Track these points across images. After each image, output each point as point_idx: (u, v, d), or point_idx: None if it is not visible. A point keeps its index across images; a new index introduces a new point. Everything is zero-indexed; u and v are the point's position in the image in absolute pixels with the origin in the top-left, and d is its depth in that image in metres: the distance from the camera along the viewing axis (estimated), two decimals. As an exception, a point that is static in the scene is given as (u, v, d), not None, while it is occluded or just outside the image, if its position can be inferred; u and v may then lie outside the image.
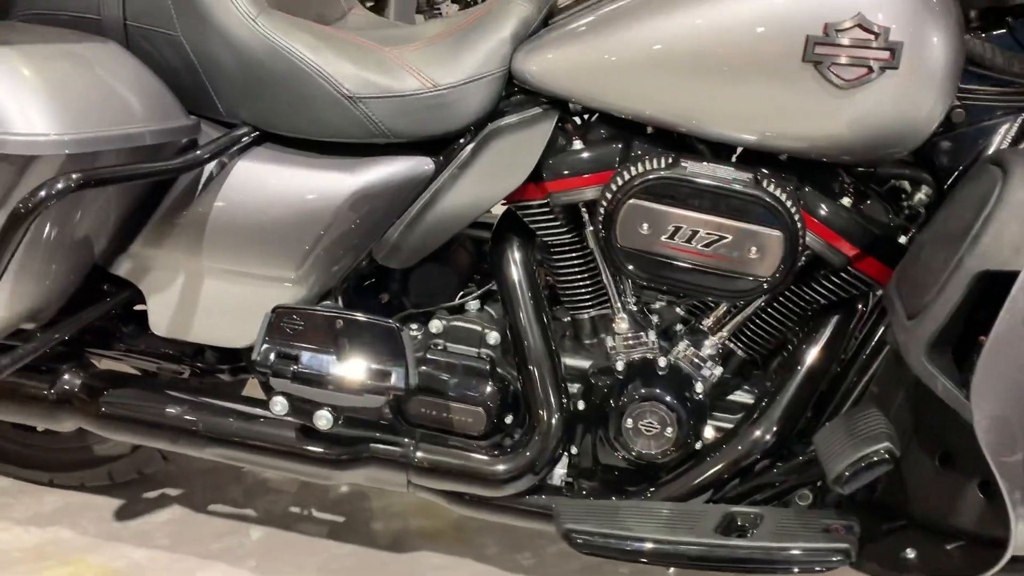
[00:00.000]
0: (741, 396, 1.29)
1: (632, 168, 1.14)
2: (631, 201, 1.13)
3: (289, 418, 1.21)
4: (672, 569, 1.33)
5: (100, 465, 1.57)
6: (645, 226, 1.13)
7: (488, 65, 1.20)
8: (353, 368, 1.17)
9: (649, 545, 1.12)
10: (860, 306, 1.24)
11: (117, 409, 1.29)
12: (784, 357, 1.27)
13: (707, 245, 1.12)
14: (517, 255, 1.27)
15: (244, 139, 1.20)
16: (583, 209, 1.24)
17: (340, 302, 1.31)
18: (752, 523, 1.13)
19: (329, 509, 1.66)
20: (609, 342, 1.27)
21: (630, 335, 1.26)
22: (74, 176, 1.03)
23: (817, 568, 1.09)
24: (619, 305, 1.26)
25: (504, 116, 1.23)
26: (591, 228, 1.24)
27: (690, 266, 1.13)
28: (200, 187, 1.20)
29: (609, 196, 1.15)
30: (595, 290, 1.29)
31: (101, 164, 1.08)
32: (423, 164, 1.23)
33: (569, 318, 1.31)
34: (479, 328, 1.31)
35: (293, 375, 1.17)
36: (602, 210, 1.16)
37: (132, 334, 1.36)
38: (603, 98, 1.17)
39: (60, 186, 1.02)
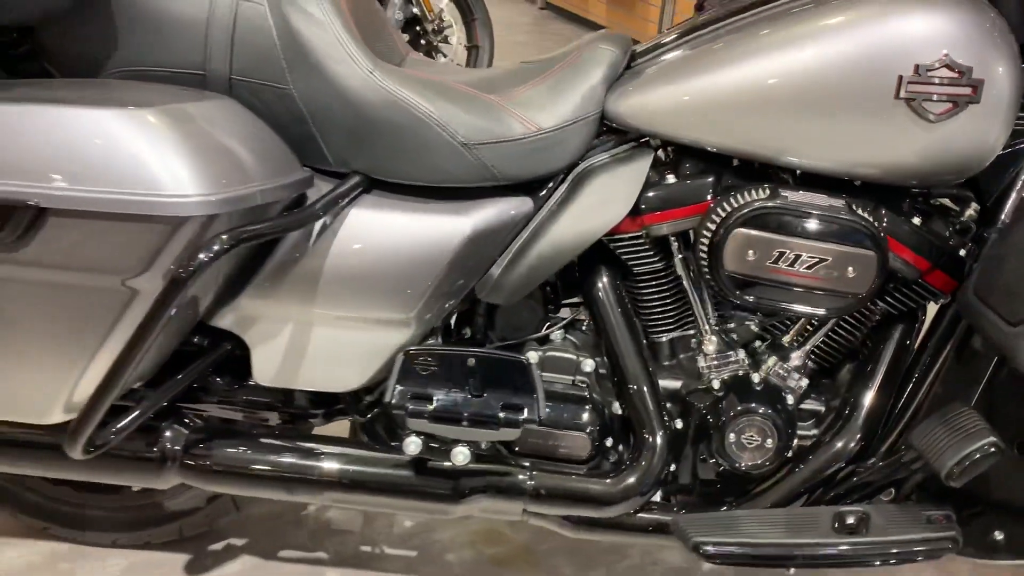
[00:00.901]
0: (811, 404, 1.40)
1: (733, 199, 1.23)
2: (737, 230, 1.21)
3: (423, 457, 1.23)
4: (792, 570, 1.42)
5: (172, 521, 1.53)
6: (751, 253, 1.22)
7: (585, 108, 1.26)
8: (488, 403, 1.20)
9: (776, 549, 1.20)
10: (920, 315, 1.37)
11: (227, 463, 1.28)
12: (857, 365, 1.38)
13: (809, 267, 1.21)
14: (608, 284, 1.34)
15: (357, 188, 1.22)
16: (673, 239, 1.32)
17: (439, 339, 1.35)
18: (862, 520, 1.23)
19: (398, 545, 1.67)
20: (700, 362, 1.34)
21: (720, 355, 1.34)
22: (225, 237, 1.04)
23: (929, 557, 1.20)
24: (706, 327, 1.34)
25: (594, 154, 1.30)
26: (680, 256, 1.32)
27: (793, 287, 1.22)
28: (313, 237, 1.21)
29: (713, 226, 1.23)
30: (678, 314, 1.37)
31: (236, 222, 1.09)
32: (523, 204, 1.28)
33: (645, 340, 1.39)
34: (573, 356, 1.36)
35: (430, 415, 1.19)
36: (705, 239, 1.24)
37: (227, 385, 1.35)
38: (696, 135, 1.25)
39: (216, 248, 1.02)
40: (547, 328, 1.39)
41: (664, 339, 1.38)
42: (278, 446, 1.30)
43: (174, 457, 1.28)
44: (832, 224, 1.20)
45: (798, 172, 1.26)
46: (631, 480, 1.30)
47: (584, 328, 1.41)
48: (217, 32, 1.16)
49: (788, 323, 1.36)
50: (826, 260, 1.21)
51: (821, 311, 1.25)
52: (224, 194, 1.04)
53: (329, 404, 1.39)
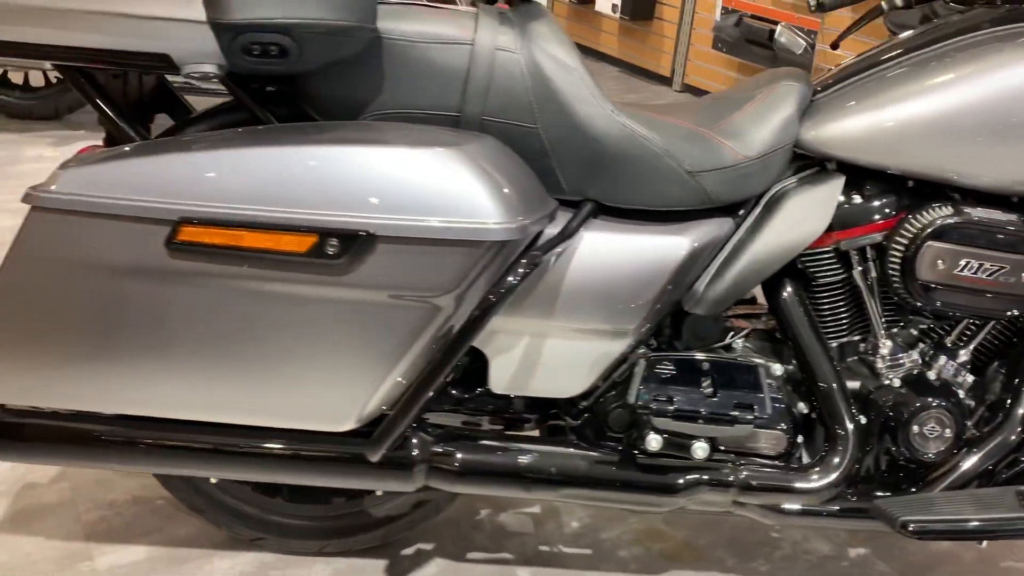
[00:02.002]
0: (973, 397, 1.55)
1: (922, 216, 1.39)
2: (929, 243, 1.38)
3: (664, 452, 1.37)
4: (984, 543, 1.57)
5: (378, 528, 1.64)
6: (940, 263, 1.38)
7: (782, 138, 1.42)
8: (723, 403, 1.35)
9: (976, 524, 1.35)
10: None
11: (470, 465, 1.40)
12: (1009, 360, 1.54)
13: (991, 274, 1.38)
14: (793, 294, 1.49)
15: (591, 214, 1.36)
16: (853, 252, 1.48)
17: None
18: (1042, 497, 1.39)
19: (572, 544, 1.79)
20: (878, 363, 1.50)
21: (895, 355, 1.50)
22: (524, 262, 1.22)
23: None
24: (881, 331, 1.50)
25: (784, 178, 1.46)
26: (859, 268, 1.48)
27: (976, 292, 1.39)
28: (553, 258, 1.35)
29: (905, 240, 1.39)
30: (850, 320, 1.53)
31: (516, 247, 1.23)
32: (724, 223, 1.43)
33: None
34: (762, 362, 1.51)
35: (673, 413, 1.33)
36: (898, 252, 1.40)
37: (459, 393, 1.47)
38: (882, 159, 1.41)
39: (522, 271, 1.19)
40: (730, 337, 1.55)
41: (835, 344, 1.54)
42: (514, 448, 1.43)
43: (422, 461, 1.40)
44: (1009, 235, 1.37)
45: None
46: (829, 471, 1.45)
47: (762, 336, 1.57)
48: (476, 78, 1.30)
49: (951, 325, 1.52)
50: (1005, 267, 1.38)
51: (1000, 311, 1.41)
52: (526, 221, 1.18)
53: (543, 409, 1.52)
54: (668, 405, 1.35)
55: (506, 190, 1.18)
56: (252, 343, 1.21)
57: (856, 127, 1.41)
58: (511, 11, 1.37)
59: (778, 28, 4.45)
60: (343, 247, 1.14)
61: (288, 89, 1.36)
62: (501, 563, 1.72)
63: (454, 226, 1.14)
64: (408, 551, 1.74)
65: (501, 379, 1.42)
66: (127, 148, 1.20)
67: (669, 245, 1.38)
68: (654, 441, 1.36)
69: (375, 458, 1.28)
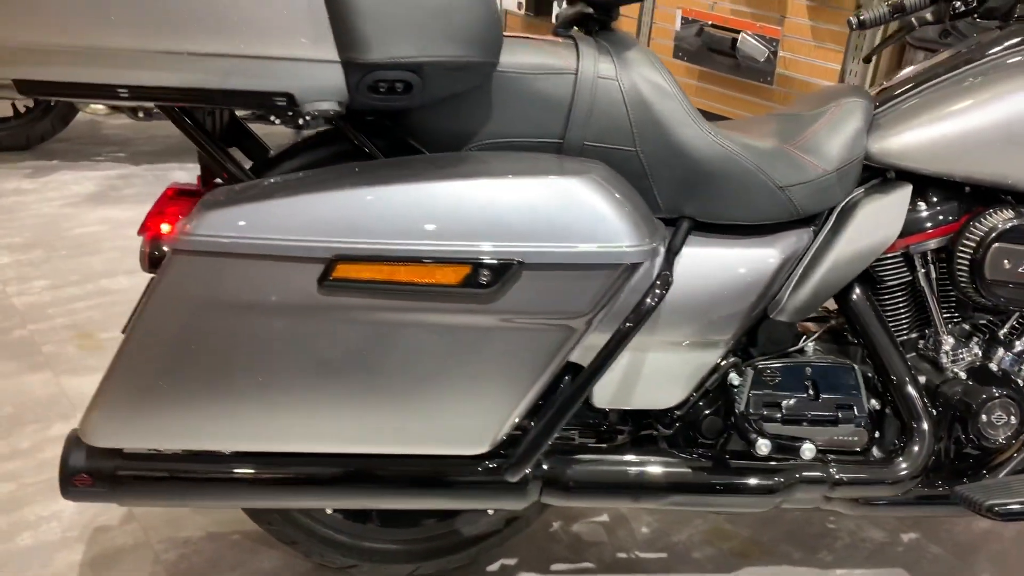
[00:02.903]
0: None
1: (985, 220, 1.50)
2: (995, 244, 1.48)
3: (773, 455, 1.43)
4: None
5: (471, 547, 1.67)
6: (1006, 262, 1.49)
7: (854, 151, 1.51)
8: (827, 404, 1.42)
9: (1052, 503, 1.46)
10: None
11: (581, 478, 1.44)
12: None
13: (1051, 272, 1.49)
14: (862, 296, 1.58)
15: (690, 231, 1.42)
16: (917, 256, 1.57)
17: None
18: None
19: (647, 549, 1.85)
20: (943, 358, 1.60)
21: (958, 350, 1.60)
22: (659, 283, 1.24)
23: None
24: (943, 328, 1.60)
25: (855, 189, 1.55)
26: (922, 270, 1.58)
27: (1040, 288, 1.50)
28: (653, 273, 1.40)
29: (972, 243, 1.49)
30: (913, 318, 1.63)
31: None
32: (804, 234, 1.51)
33: None
34: (851, 363, 1.59)
35: (782, 418, 1.40)
36: (966, 254, 1.50)
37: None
38: (946, 168, 1.51)
39: (659, 292, 1.23)
40: (803, 341, 1.63)
41: (900, 340, 1.63)
42: (621, 460, 1.48)
43: (536, 477, 1.44)
44: (1068, 235, 1.49)
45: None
46: (911, 462, 1.54)
47: (832, 338, 1.65)
48: (579, 106, 1.35)
49: (1004, 319, 1.63)
50: (1063, 265, 1.49)
51: (1058, 306, 1.53)
52: (655, 242, 1.23)
53: (637, 421, 1.57)
54: (778, 411, 1.42)
55: (634, 214, 1.23)
56: (397, 373, 1.23)
57: (919, 139, 1.51)
58: (605, 40, 1.42)
59: (740, 37, 4.61)
60: (494, 276, 1.17)
61: (390, 121, 1.38)
62: (584, 572, 1.77)
63: (594, 250, 1.18)
64: (493, 567, 1.77)
65: (603, 394, 1.46)
66: (266, 186, 1.21)
67: (760, 257, 1.45)
68: (764, 446, 1.43)
69: (514, 478, 1.31)
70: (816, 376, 1.47)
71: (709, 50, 4.83)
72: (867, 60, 1.97)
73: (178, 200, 1.49)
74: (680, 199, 1.42)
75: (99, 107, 3.68)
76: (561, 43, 1.40)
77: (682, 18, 5.07)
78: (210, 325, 1.19)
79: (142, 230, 1.52)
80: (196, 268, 1.17)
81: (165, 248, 1.20)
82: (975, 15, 1.73)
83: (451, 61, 1.20)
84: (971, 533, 1.96)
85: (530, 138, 1.37)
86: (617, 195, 1.22)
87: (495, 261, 1.16)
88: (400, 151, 1.39)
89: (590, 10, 1.48)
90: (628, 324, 1.26)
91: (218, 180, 1.51)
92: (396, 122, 1.38)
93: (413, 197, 1.16)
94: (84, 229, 3.15)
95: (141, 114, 3.67)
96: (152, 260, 1.35)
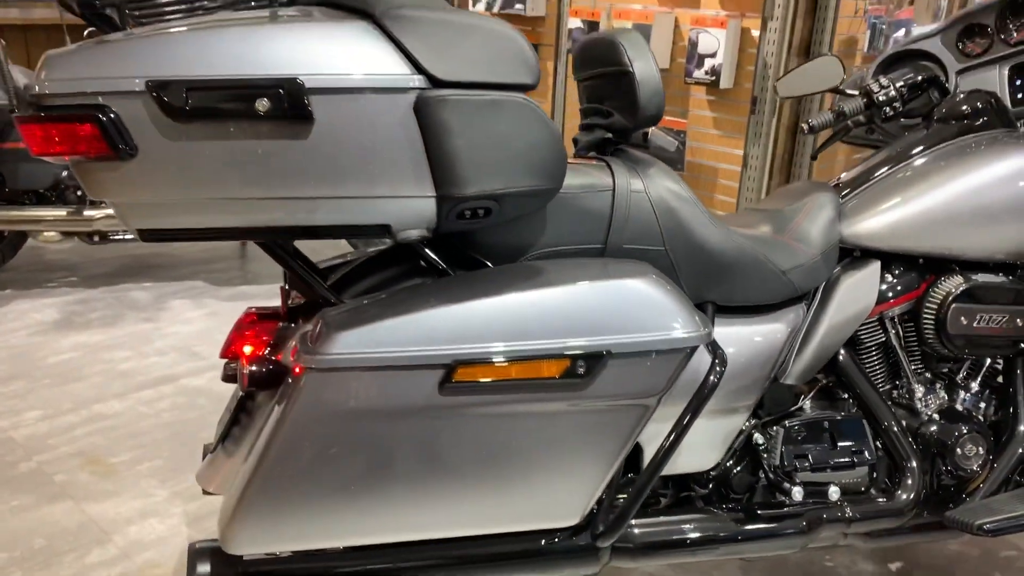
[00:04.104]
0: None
1: (942, 286, 1.81)
2: (954, 305, 1.79)
3: (806, 501, 1.66)
4: None
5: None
6: (963, 319, 1.80)
7: (833, 236, 1.81)
8: (845, 451, 1.67)
9: (1029, 516, 1.75)
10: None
11: (647, 540, 1.63)
12: (1004, 386, 1.98)
13: (999, 324, 1.81)
14: (848, 356, 1.85)
15: (714, 314, 1.67)
16: (887, 320, 1.87)
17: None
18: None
19: None
20: (917, 404, 1.89)
21: (929, 395, 1.89)
22: (717, 361, 1.48)
23: None
24: (914, 377, 1.90)
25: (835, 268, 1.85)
26: (893, 331, 1.88)
27: (990, 338, 1.81)
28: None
29: (934, 305, 1.80)
30: (888, 371, 1.92)
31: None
32: (800, 310, 1.79)
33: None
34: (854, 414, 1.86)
35: (811, 467, 1.64)
36: (931, 314, 1.80)
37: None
38: (907, 244, 1.82)
39: (719, 370, 1.46)
40: (801, 399, 1.89)
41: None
42: (670, 521, 1.68)
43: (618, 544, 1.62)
44: (1011, 293, 1.81)
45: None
46: (908, 496, 1.80)
47: (823, 395, 1.92)
48: (618, 216, 1.59)
49: (959, 365, 1.94)
50: (1006, 316, 1.81)
51: (1007, 349, 1.84)
52: (708, 328, 1.46)
53: (676, 484, 1.78)
54: (807, 461, 1.67)
55: (689, 304, 1.47)
56: (504, 458, 1.40)
57: (880, 223, 1.82)
58: (625, 159, 1.68)
59: (651, 131, 5.04)
60: (588, 367, 1.38)
61: (454, 238, 1.58)
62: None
63: (665, 338, 1.41)
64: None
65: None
66: (379, 305, 1.38)
67: (772, 331, 1.71)
68: (798, 492, 1.67)
69: (605, 544, 1.49)
70: (833, 429, 1.73)
71: (622, 143, 5.23)
72: (813, 158, 2.30)
73: (261, 324, 1.64)
74: (703, 287, 1.67)
75: (52, 234, 3.71)
76: (595, 164, 1.65)
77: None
78: (342, 433, 1.34)
79: (226, 353, 1.66)
80: (330, 384, 1.32)
81: (297, 368, 1.34)
82: (900, 117, 2.10)
83: (529, 190, 1.42)
84: (945, 556, 2.24)
85: (577, 245, 1.60)
86: (674, 289, 1.46)
87: (589, 353, 1.37)
88: (462, 264, 1.59)
89: (609, 135, 1.75)
90: (698, 398, 1.49)
91: (293, 302, 1.68)
92: (458, 239, 1.58)
93: (516, 305, 1.37)
94: (60, 357, 3.16)
95: (96, 238, 3.74)
96: (253, 379, 1.50)
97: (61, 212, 3.60)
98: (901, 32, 5.18)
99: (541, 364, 1.36)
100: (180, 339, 3.32)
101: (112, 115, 1.24)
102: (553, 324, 1.37)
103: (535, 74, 1.39)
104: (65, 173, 3.67)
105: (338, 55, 1.29)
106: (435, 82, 1.32)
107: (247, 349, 1.61)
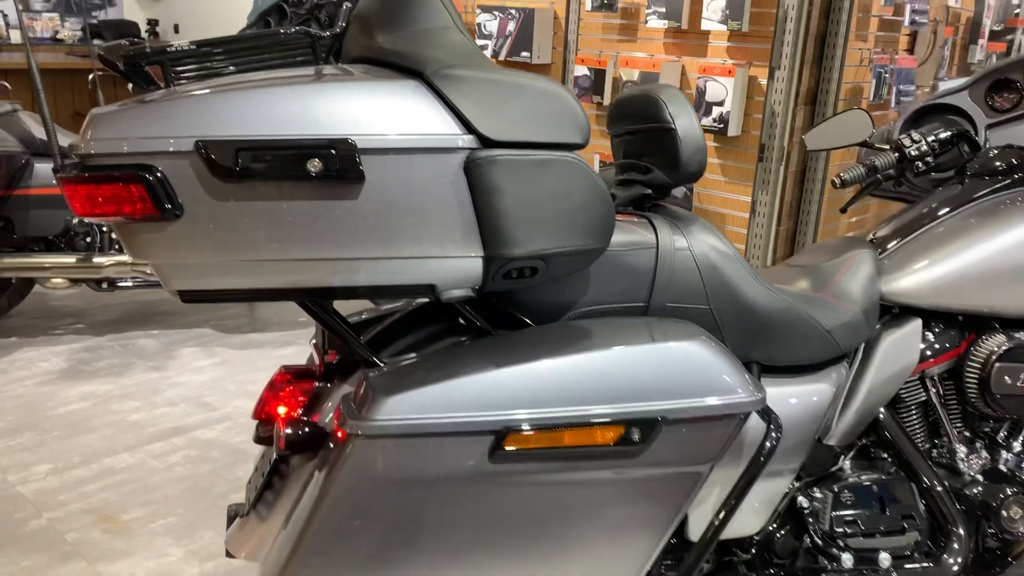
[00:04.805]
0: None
1: (984, 345, 1.78)
2: (997, 365, 1.76)
3: (854, 567, 1.61)
4: None
5: None
6: (1007, 378, 1.77)
7: (873, 294, 1.78)
8: (894, 515, 1.63)
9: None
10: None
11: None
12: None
13: (1042, 381, 1.78)
14: (890, 416, 1.82)
15: (760, 375, 1.64)
16: (928, 379, 1.84)
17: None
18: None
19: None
20: (960, 464, 1.85)
21: (971, 455, 1.86)
22: (774, 427, 1.44)
23: None
24: (956, 436, 1.86)
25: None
26: (934, 390, 1.84)
27: (1033, 396, 1.79)
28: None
29: (979, 366, 1.77)
30: (928, 431, 1.88)
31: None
32: (842, 368, 1.76)
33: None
34: (877, 476, 1.82)
35: (861, 532, 1.59)
36: (974, 373, 1.77)
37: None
38: (946, 302, 1.80)
39: (775, 436, 1.41)
40: (841, 460, 1.85)
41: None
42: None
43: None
44: (1050, 350, 1.79)
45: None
46: (955, 559, 1.75)
47: (863, 454, 1.88)
48: (662, 274, 1.56)
49: (1000, 426, 1.91)
50: (1050, 374, 1.79)
51: (1049, 410, 1.82)
52: (761, 392, 1.43)
53: (719, 550, 1.73)
54: (857, 526, 1.62)
55: (741, 367, 1.44)
56: (552, 528, 1.36)
57: (921, 279, 1.80)
58: (665, 215, 1.66)
59: (658, 176, 5.05)
60: (643, 434, 1.34)
61: (494, 297, 1.55)
62: None
63: (721, 403, 1.37)
64: None
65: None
66: (424, 367, 1.34)
67: (816, 391, 1.68)
68: (848, 560, 1.62)
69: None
70: (882, 492, 1.69)
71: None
72: (843, 211, 2.29)
73: (296, 384, 1.60)
74: (748, 347, 1.64)
75: (60, 281, 3.67)
76: (636, 221, 1.63)
77: (600, 162, 5.51)
78: (388, 501, 1.30)
79: (259, 413, 1.61)
80: (376, 451, 1.28)
81: (341, 433, 1.30)
82: (931, 171, 2.09)
83: (578, 249, 1.39)
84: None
85: (620, 303, 1.57)
86: (727, 352, 1.43)
87: (644, 420, 1.34)
88: (501, 322, 1.56)
89: (648, 191, 1.73)
90: (754, 465, 1.45)
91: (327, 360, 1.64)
92: (499, 296, 1.55)
93: (567, 369, 1.33)
94: (68, 408, 3.10)
95: (104, 285, 3.70)
96: (290, 442, 1.45)
97: (70, 259, 3.56)
98: (912, 86, 5.24)
99: (595, 431, 1.32)
100: (190, 389, 3.26)
101: (159, 175, 1.21)
102: (606, 389, 1.34)
103: (585, 133, 1.37)
104: (75, 220, 3.64)
105: (390, 115, 1.27)
106: (485, 142, 1.30)
107: (282, 410, 1.57)
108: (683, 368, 1.38)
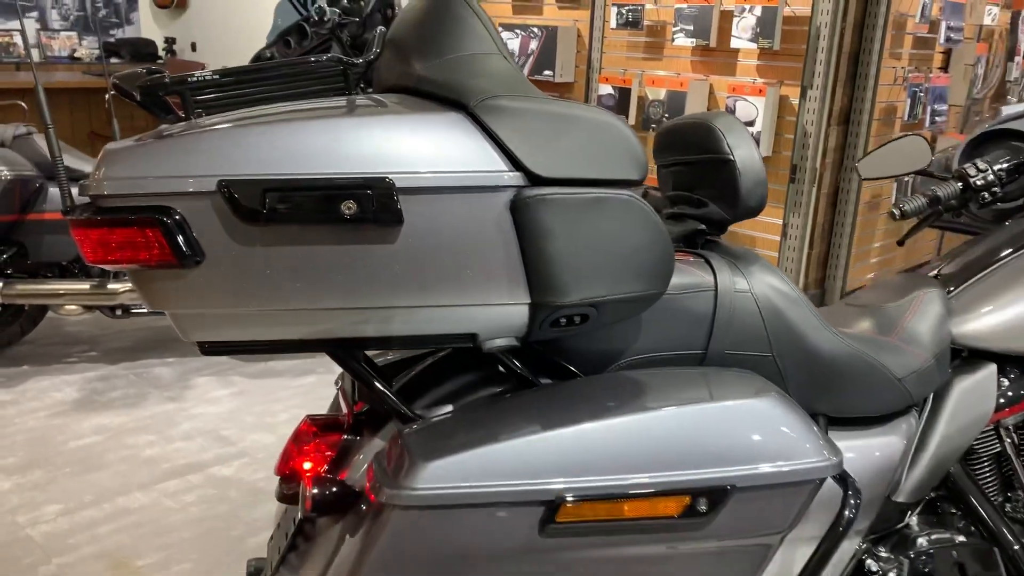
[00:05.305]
0: None
1: (1066, 393, 1.64)
2: (1080, 413, 1.62)
3: None
4: None
5: None
6: (1088, 429, 1.63)
7: (944, 337, 1.65)
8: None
9: None
10: None
11: None
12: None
13: None
14: (960, 469, 1.68)
15: (826, 428, 1.50)
16: (1003, 429, 1.70)
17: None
18: None
19: None
20: (1036, 517, 1.71)
21: (1050, 508, 1.72)
22: (851, 493, 1.31)
23: None
24: (1032, 489, 1.72)
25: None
26: (1008, 440, 1.70)
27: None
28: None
29: (1060, 413, 1.63)
30: (1000, 484, 1.74)
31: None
32: (912, 419, 1.62)
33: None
34: (948, 534, 1.68)
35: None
36: (1054, 423, 1.64)
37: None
38: (1020, 345, 1.67)
39: (853, 503, 1.28)
40: (908, 516, 1.71)
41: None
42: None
43: None
44: None
45: None
46: (1037, 616, 1.61)
47: (931, 510, 1.74)
48: (721, 319, 1.43)
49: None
50: None
51: None
52: (838, 456, 1.29)
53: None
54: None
55: (814, 427, 1.30)
56: (612, 607, 1.23)
57: (995, 322, 1.67)
58: (720, 252, 1.53)
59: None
60: (711, 504, 1.21)
61: (538, 344, 1.43)
62: None
63: (795, 468, 1.24)
64: None
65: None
66: (465, 426, 1.22)
67: (887, 444, 1.54)
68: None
69: None
70: (957, 552, 1.54)
71: (657, 212, 5.12)
72: (900, 243, 2.16)
73: (322, 437, 1.48)
74: (814, 398, 1.51)
75: (73, 307, 3.58)
76: (692, 260, 1.50)
77: (645, 188, 5.39)
78: (428, 575, 1.17)
79: (283, 469, 1.49)
80: (415, 522, 1.15)
81: (376, 499, 1.18)
82: (997, 202, 1.95)
83: (634, 296, 1.27)
84: None
85: (675, 351, 1.44)
86: (801, 411, 1.29)
87: (713, 488, 1.20)
88: (544, 370, 1.43)
89: (702, 226, 1.60)
90: (832, 536, 1.31)
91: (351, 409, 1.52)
92: (544, 344, 1.43)
93: (625, 430, 1.20)
94: (80, 442, 2.99)
95: (119, 311, 3.60)
96: (318, 504, 1.33)
97: (85, 285, 3.46)
98: (944, 105, 5.09)
99: (658, 501, 1.19)
100: (207, 421, 3.15)
101: (178, 218, 1.10)
102: (670, 453, 1.20)
103: (643, 168, 1.25)
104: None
105: (430, 151, 1.15)
106: (534, 179, 1.18)
107: (307, 465, 1.44)
108: (754, 429, 1.25)
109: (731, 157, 1.50)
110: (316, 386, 3.42)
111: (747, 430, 1.24)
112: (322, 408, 3.26)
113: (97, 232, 1.11)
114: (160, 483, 2.72)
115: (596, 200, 1.21)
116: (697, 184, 1.60)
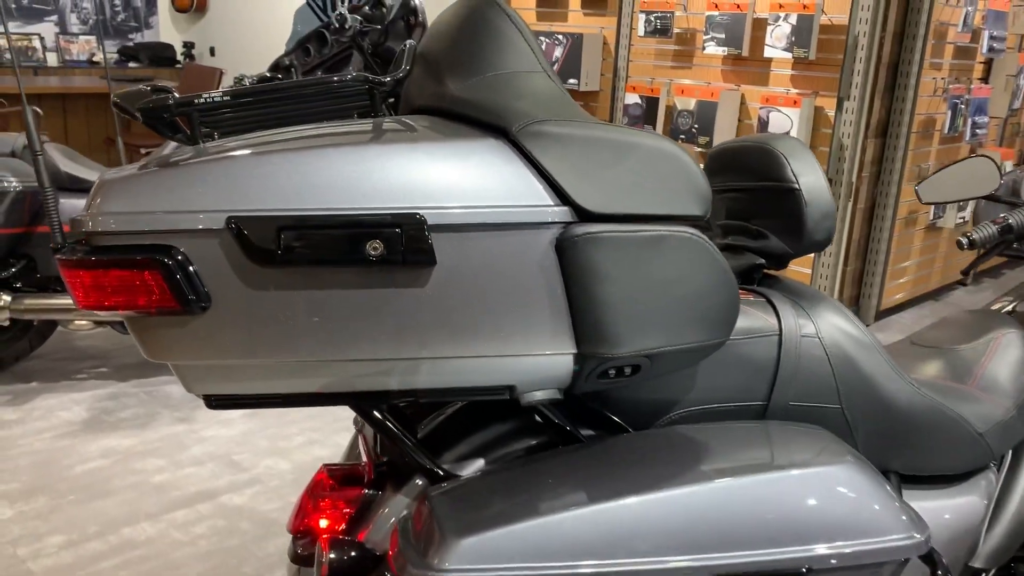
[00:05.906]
0: None
1: None
2: None
3: None
4: None
5: None
6: None
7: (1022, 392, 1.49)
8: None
9: None
10: None
11: None
12: None
13: None
14: None
15: (900, 488, 1.35)
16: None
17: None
18: None
19: None
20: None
21: None
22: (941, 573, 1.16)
23: None
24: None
25: (1017, 426, 1.53)
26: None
27: None
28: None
29: None
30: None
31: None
32: (991, 475, 1.46)
33: None
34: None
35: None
36: None
37: None
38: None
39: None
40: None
41: None
42: None
43: None
44: None
45: None
46: None
47: (1008, 571, 1.58)
48: (785, 367, 1.28)
49: None
50: None
51: None
52: (926, 532, 1.14)
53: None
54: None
55: (896, 498, 1.15)
56: None
57: None
58: (779, 289, 1.39)
59: (713, 211, 4.78)
60: (785, 582, 1.06)
61: (582, 394, 1.28)
62: None
63: (877, 547, 1.08)
64: None
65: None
66: (503, 492, 1.08)
67: (966, 505, 1.39)
68: None
69: None
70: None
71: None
72: (964, 274, 1.99)
73: (339, 491, 1.34)
74: (886, 454, 1.36)
75: (83, 322, 3.46)
76: (753, 300, 1.35)
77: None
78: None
79: (297, 526, 1.35)
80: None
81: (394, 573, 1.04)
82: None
83: (694, 346, 1.12)
84: None
85: (733, 403, 1.29)
86: (881, 480, 1.14)
87: (786, 572, 1.05)
88: (587, 421, 1.29)
89: (761, 260, 1.46)
90: None
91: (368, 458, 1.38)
92: (587, 394, 1.28)
93: (685, 502, 1.05)
94: (86, 466, 2.86)
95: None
96: (335, 570, 1.19)
97: (95, 300, 3.33)
98: (986, 117, 4.91)
99: (724, 586, 1.04)
100: (218, 445, 3.02)
101: (181, 259, 0.96)
102: (736, 530, 1.05)
103: (706, 203, 1.10)
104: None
105: (467, 182, 1.01)
106: (583, 215, 1.04)
107: (324, 523, 1.31)
108: (831, 501, 1.09)
109: (796, 186, 1.35)
110: (333, 408, 3.29)
111: (822, 502, 1.09)
112: (338, 433, 3.13)
113: (90, 274, 0.97)
114: (168, 512, 2.59)
115: (654, 238, 1.07)
116: (755, 213, 1.45)
